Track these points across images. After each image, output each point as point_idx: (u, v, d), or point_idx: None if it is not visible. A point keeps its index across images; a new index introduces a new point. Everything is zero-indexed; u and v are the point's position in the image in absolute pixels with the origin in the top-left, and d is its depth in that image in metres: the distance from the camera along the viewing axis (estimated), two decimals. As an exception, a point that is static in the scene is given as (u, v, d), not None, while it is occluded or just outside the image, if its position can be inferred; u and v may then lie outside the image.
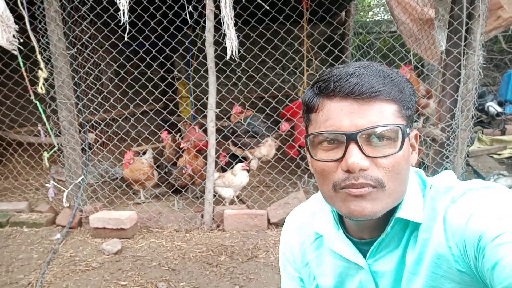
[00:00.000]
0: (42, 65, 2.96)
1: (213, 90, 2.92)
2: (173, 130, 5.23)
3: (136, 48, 3.57)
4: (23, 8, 2.87)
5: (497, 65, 6.11)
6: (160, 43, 3.19)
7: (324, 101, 0.64)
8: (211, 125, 2.95)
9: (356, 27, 5.49)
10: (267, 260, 2.43)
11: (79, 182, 3.13)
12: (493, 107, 4.87)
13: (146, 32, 3.11)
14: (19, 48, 2.88)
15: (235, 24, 2.70)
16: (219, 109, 2.99)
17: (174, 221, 2.98)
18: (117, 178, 3.86)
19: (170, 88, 3.56)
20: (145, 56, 3.35)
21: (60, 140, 3.16)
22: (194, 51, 3.47)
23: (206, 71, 2.92)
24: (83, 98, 3.40)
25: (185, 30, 3.12)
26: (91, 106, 3.47)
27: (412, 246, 0.67)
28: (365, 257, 0.72)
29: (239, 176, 3.13)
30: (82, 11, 3.14)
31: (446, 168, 2.68)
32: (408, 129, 0.63)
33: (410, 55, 3.64)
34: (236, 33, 2.69)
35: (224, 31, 2.67)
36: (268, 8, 2.83)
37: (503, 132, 4.54)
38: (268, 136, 3.72)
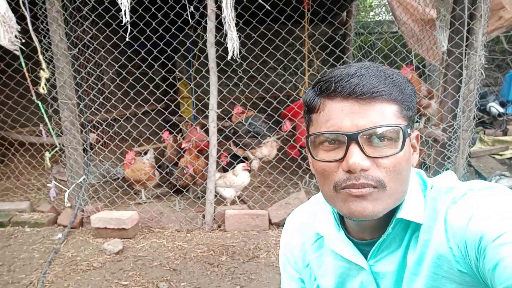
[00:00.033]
0: (44, 65, 2.97)
1: (215, 91, 2.92)
2: (175, 130, 5.24)
3: (138, 48, 3.57)
4: (25, 8, 2.88)
5: (499, 65, 6.10)
6: (161, 44, 3.20)
7: (325, 101, 0.65)
8: (213, 126, 2.95)
9: (357, 28, 5.48)
10: (268, 260, 2.43)
11: (80, 182, 3.14)
12: (495, 107, 4.87)
13: (148, 32, 3.11)
14: (21, 49, 2.89)
15: (237, 25, 2.70)
16: (221, 110, 2.99)
17: (175, 221, 2.98)
18: (118, 178, 3.87)
19: (171, 88, 3.57)
20: (146, 56, 3.36)
21: (61, 140, 3.17)
22: (195, 51, 3.48)
23: (208, 71, 2.92)
24: (84, 98, 3.41)
25: (186, 30, 3.13)
26: (93, 106, 3.48)
27: (413, 247, 0.67)
28: (366, 258, 0.72)
29: (240, 176, 3.13)
30: (84, 12, 3.15)
31: (447, 169, 2.68)
32: (409, 130, 0.63)
33: (411, 56, 3.63)
34: (237, 34, 2.69)
35: (226, 31, 2.67)
36: (269, 8, 2.84)
37: (505, 133, 4.53)
38: (270, 136, 3.73)
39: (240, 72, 3.42)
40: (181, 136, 4.54)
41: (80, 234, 2.89)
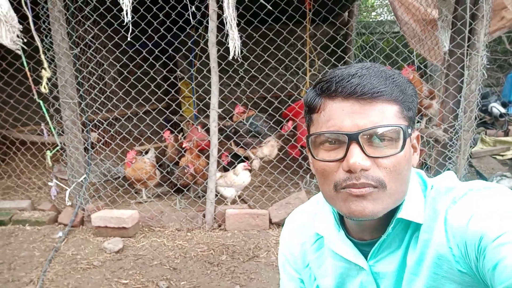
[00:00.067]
0: (45, 64, 2.97)
1: (216, 90, 2.92)
2: (176, 129, 5.24)
3: (139, 48, 3.58)
4: (27, 8, 2.89)
5: (500, 65, 6.09)
6: (163, 43, 3.20)
7: (326, 101, 0.65)
8: (214, 125, 2.95)
9: (359, 28, 5.48)
10: (268, 259, 2.43)
11: (81, 181, 3.14)
12: (496, 108, 4.86)
13: (149, 32, 3.12)
14: (22, 48, 2.90)
15: (238, 24, 2.70)
16: (222, 109, 3.00)
17: (175, 220, 2.98)
18: (119, 177, 3.87)
19: (172, 88, 3.57)
20: (148, 56, 3.36)
21: (63, 139, 3.17)
22: (197, 51, 3.48)
23: (209, 71, 2.93)
24: (86, 98, 3.42)
25: (188, 30, 3.12)
26: (94, 106, 3.49)
27: (413, 247, 0.67)
28: (366, 258, 0.72)
29: (241, 176, 3.14)
30: (86, 11, 3.16)
31: (448, 169, 2.67)
32: (409, 130, 0.63)
33: (413, 56, 3.63)
34: (239, 33, 2.69)
35: (227, 31, 2.67)
36: (271, 8, 2.83)
37: (506, 133, 4.52)
38: (270, 136, 3.73)
39: (241, 72, 3.42)
40: (182, 136, 4.55)
41: (81, 233, 2.90)
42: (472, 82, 2.58)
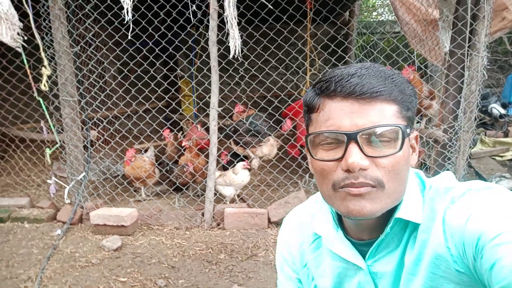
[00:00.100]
0: (45, 62, 2.97)
1: (216, 89, 2.92)
2: (175, 128, 5.24)
3: (140, 46, 3.58)
4: (28, 6, 2.88)
5: (501, 66, 6.09)
6: (163, 42, 3.20)
7: (325, 101, 0.65)
8: (213, 124, 2.95)
9: (360, 27, 5.47)
10: (266, 258, 2.44)
11: (80, 179, 3.14)
12: (496, 108, 4.86)
13: (150, 30, 3.11)
14: (23, 46, 2.90)
15: (239, 23, 2.70)
16: (222, 108, 2.99)
17: (174, 218, 2.98)
18: (118, 175, 3.87)
19: (172, 86, 3.56)
20: (148, 54, 3.36)
21: (62, 137, 3.17)
22: (197, 50, 3.48)
23: (209, 70, 2.92)
24: (86, 96, 3.41)
25: (188, 29, 3.13)
26: (94, 104, 3.49)
27: (411, 247, 0.67)
28: (364, 258, 0.72)
29: (240, 175, 3.13)
30: (86, 9, 3.15)
31: (448, 170, 2.67)
32: (408, 130, 0.63)
33: (413, 56, 3.62)
34: (239, 32, 2.69)
35: (228, 30, 2.67)
36: (271, 7, 2.83)
37: (506, 134, 4.52)
38: (270, 135, 3.73)
39: (241, 71, 3.42)
40: (181, 134, 4.55)
41: (79, 231, 2.90)
42: (472, 82, 2.58)
